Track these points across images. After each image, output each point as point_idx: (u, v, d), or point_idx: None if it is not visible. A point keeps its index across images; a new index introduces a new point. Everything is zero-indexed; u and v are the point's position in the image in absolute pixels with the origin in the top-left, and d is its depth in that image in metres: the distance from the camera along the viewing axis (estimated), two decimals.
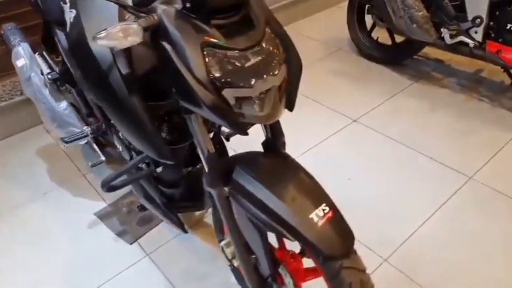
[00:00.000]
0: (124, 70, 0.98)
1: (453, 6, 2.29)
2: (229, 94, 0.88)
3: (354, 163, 2.16)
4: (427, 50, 2.89)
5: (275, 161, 1.07)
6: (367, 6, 2.88)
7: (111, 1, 0.87)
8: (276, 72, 0.92)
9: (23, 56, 1.84)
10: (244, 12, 0.91)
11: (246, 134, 0.95)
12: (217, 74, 0.87)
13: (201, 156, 1.05)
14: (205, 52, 0.86)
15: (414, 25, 2.37)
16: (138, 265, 1.74)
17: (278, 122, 1.09)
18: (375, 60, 2.96)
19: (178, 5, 0.88)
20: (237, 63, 0.87)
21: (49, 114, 1.83)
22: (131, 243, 1.82)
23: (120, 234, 1.87)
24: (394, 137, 2.30)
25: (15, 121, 2.44)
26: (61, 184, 2.14)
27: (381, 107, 2.55)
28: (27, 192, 2.12)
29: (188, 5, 0.87)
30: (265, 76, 0.90)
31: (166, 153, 1.05)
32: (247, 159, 1.07)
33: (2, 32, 1.94)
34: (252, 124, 0.98)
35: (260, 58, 0.90)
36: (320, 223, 0.92)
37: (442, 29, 2.36)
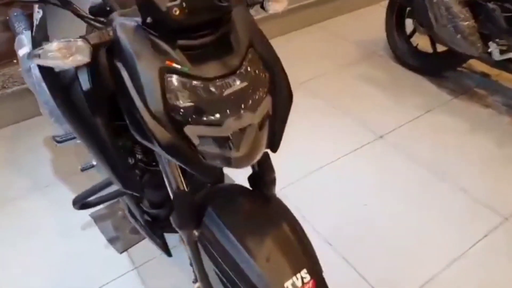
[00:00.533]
0: (86, 86, 0.83)
1: (505, 18, 1.99)
2: (192, 132, 0.72)
3: (373, 186, 1.95)
4: (472, 61, 2.59)
5: (257, 204, 0.90)
6: (407, 9, 2.61)
7: (65, 9, 0.72)
8: (256, 107, 0.75)
9: (25, 44, 1.75)
10: (221, 31, 0.74)
11: (216, 181, 0.79)
12: (178, 107, 0.71)
13: (169, 191, 0.89)
14: (165, 79, 0.70)
15: (459, 36, 2.10)
16: (125, 277, 1.63)
17: (267, 155, 0.92)
18: (412, 68, 2.69)
19: (138, 19, 0.72)
20: (204, 95, 0.71)
21: (47, 108, 1.73)
22: (121, 252, 1.72)
23: (111, 241, 1.77)
24: (423, 160, 2.06)
25: (23, 108, 2.39)
26: (63, 178, 2.07)
27: (412, 123, 2.30)
28: (29, 182, 2.07)
29: (149, 20, 0.71)
30: (241, 111, 0.73)
31: (132, 184, 0.90)
32: (223, 198, 0.91)
33: (8, 17, 1.85)
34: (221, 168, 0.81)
35: (235, 89, 0.73)
36: None
37: (490, 43, 2.08)
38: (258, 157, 0.79)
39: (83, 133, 0.90)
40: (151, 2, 0.68)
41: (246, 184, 0.98)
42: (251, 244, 0.79)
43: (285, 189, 1.84)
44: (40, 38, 0.95)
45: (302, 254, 0.81)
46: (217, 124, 0.72)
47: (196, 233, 0.88)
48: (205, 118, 0.71)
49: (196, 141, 0.73)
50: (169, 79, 0.71)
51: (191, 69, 0.71)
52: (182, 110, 0.71)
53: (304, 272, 0.77)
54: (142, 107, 0.71)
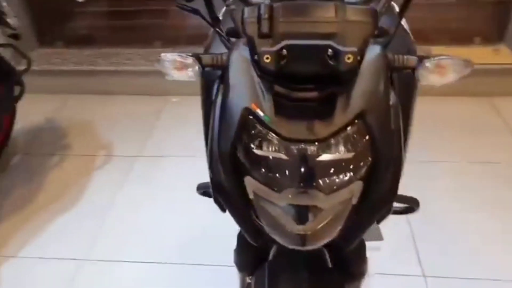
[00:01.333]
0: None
1: None
2: (250, 184, 0.68)
3: None
4: None
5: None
6: None
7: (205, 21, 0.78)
8: (331, 189, 0.64)
9: None
10: (331, 90, 0.64)
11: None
12: (246, 150, 0.66)
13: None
14: (246, 120, 0.66)
15: None
16: None
17: (361, 241, 0.82)
18: None
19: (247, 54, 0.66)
20: (276, 154, 0.64)
21: None
22: None
23: None
24: None
25: None
26: None
27: None
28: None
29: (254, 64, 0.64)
30: (307, 188, 0.64)
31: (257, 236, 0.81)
32: (286, 258, 0.86)
33: None
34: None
35: (315, 160, 0.64)
36: None
37: None
38: (323, 241, 0.69)
39: None
40: (250, 41, 0.61)
41: None
42: None
43: None
44: None
45: None
46: (276, 189, 0.64)
47: (248, 280, 0.88)
48: (264, 176, 0.65)
49: (251, 195, 0.68)
50: (250, 121, 0.66)
51: (272, 121, 0.63)
52: (248, 156, 0.66)
53: None
54: (215, 138, 0.71)
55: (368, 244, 0.88)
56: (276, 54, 0.58)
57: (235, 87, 0.69)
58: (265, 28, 0.59)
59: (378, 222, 0.78)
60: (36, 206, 2.00)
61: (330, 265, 0.85)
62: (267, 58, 0.59)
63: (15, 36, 1.99)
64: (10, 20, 1.90)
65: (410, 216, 1.02)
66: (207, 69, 0.72)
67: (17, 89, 2.14)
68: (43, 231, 1.87)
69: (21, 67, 2.16)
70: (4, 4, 1.90)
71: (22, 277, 1.69)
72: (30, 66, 2.16)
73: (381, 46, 0.70)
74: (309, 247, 0.67)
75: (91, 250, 1.77)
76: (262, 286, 0.82)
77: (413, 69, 0.68)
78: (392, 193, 0.72)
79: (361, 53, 0.59)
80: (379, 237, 1.27)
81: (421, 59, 0.67)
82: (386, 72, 0.68)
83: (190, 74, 0.71)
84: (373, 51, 0.67)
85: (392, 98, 0.69)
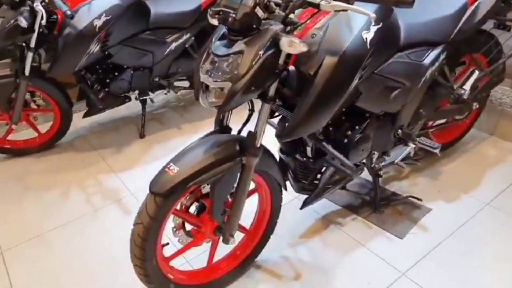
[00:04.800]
0: None
1: None
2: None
3: None
4: None
5: None
6: None
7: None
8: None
9: None
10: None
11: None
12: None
13: None
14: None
15: None
16: None
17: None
18: None
19: None
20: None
21: None
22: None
23: None
24: None
25: None
26: None
27: None
28: None
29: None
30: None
31: None
32: None
33: None
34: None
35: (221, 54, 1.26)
36: None
37: None
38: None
39: None
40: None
41: None
42: None
43: None
44: None
45: None
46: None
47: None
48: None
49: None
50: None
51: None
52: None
53: None
54: None
55: None
56: (214, 12, 1.25)
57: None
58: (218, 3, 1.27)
59: None
60: None
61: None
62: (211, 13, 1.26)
63: None
64: None
65: None
66: None
67: None
68: None
69: None
70: None
71: None
72: None
73: (280, 24, 1.24)
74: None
75: None
76: None
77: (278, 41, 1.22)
78: None
79: (247, 18, 1.19)
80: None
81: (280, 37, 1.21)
82: (268, 35, 1.22)
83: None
84: (272, 25, 1.23)
85: (267, 49, 1.22)
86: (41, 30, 2.23)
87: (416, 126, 2.00)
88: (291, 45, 1.18)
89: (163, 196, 1.33)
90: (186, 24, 2.64)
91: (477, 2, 1.90)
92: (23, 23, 2.14)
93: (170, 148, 2.68)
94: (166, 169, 1.35)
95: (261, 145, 1.42)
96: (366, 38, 1.40)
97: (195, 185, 1.36)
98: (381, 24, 1.44)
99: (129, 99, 2.71)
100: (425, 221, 2.01)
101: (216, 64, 1.23)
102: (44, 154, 2.64)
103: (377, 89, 1.60)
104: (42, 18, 2.17)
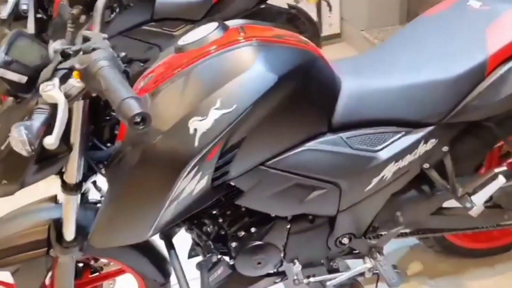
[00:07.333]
0: None
1: None
2: None
3: None
4: None
5: None
6: None
7: None
8: None
9: None
10: None
11: None
12: None
13: None
14: None
15: None
16: None
17: None
18: None
19: None
20: None
21: None
22: None
23: None
24: None
25: None
26: None
27: None
28: None
29: None
30: None
31: None
32: None
33: None
34: None
35: None
36: None
37: None
38: None
39: None
40: None
41: None
42: None
43: None
44: None
45: None
46: None
47: None
48: None
49: None
50: None
51: None
52: None
53: None
54: None
55: None
56: None
57: None
58: None
59: None
60: None
61: None
62: None
63: None
64: None
65: None
66: None
67: None
68: None
69: None
70: None
71: None
72: None
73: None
74: None
75: None
76: None
77: None
78: None
79: None
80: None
81: None
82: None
83: None
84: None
85: None
86: None
87: (387, 234, 1.32)
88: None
89: None
90: (197, 17, 2.30)
91: (508, 66, 1.13)
92: None
93: None
94: None
95: (78, 237, 1.09)
96: (195, 130, 0.93)
97: None
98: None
99: None
100: None
101: None
102: None
103: (274, 189, 1.09)
104: None
